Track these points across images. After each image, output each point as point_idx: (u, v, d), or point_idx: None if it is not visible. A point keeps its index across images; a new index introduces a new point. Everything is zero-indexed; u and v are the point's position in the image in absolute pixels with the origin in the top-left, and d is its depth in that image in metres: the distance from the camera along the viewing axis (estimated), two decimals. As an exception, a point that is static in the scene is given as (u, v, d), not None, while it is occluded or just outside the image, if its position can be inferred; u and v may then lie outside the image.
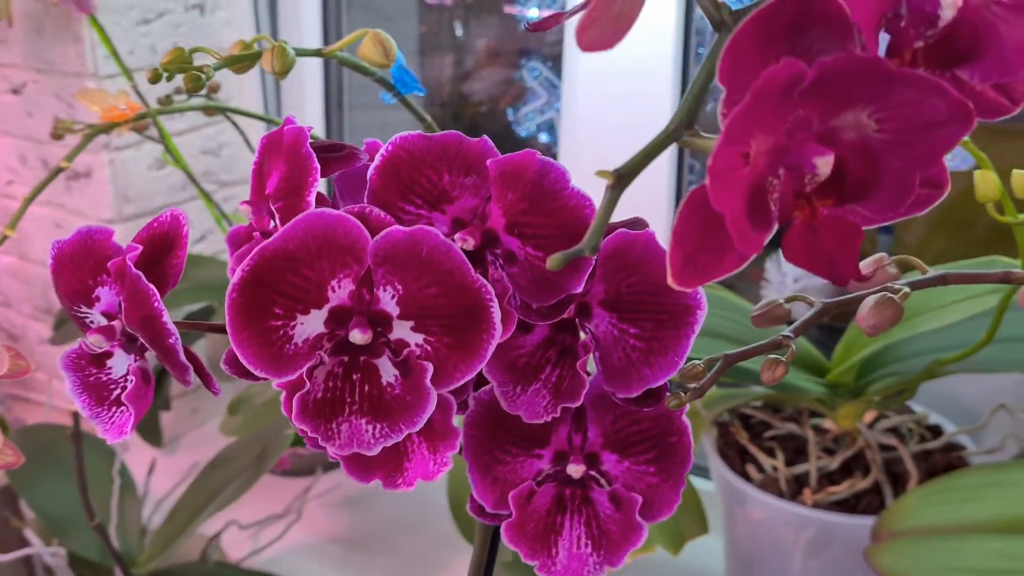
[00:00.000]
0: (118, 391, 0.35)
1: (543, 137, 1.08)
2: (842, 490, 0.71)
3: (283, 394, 0.38)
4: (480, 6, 1.22)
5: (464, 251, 0.32)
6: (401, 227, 0.31)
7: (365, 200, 0.35)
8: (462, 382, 0.32)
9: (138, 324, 0.31)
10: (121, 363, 0.35)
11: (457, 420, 0.37)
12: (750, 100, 0.21)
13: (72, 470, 0.90)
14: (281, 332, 0.31)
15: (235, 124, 0.92)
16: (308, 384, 0.31)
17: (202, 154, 1.10)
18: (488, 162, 0.33)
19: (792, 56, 0.22)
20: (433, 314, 0.31)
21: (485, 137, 0.34)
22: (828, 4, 0.21)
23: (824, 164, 0.22)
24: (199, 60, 0.53)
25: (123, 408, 0.34)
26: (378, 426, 0.32)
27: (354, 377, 0.32)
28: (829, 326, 1.08)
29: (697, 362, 0.37)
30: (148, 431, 1.08)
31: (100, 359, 0.35)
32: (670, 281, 0.23)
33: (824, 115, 0.22)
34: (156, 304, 0.31)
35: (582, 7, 0.26)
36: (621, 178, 0.25)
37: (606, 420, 0.39)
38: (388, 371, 0.32)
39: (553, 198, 0.33)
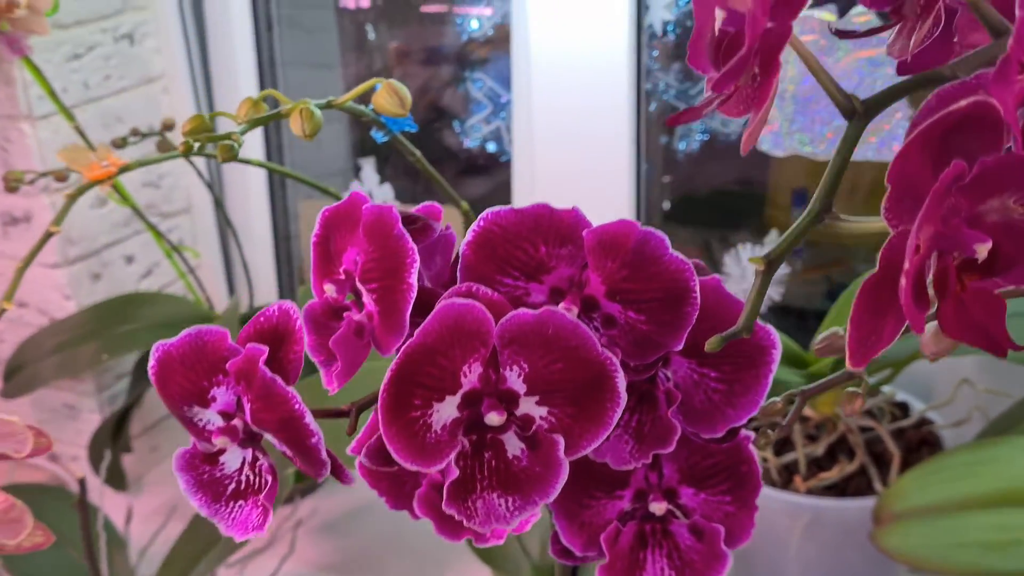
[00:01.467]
0: (233, 486, 0.35)
1: (490, 147, 1.09)
2: (833, 475, 0.75)
3: (357, 461, 0.39)
4: (399, 12, 1.22)
5: None
6: (528, 310, 0.32)
7: (459, 274, 0.36)
8: (588, 451, 0.33)
9: (274, 426, 0.32)
10: (235, 458, 0.35)
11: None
12: (930, 203, 0.23)
13: (57, 533, 0.87)
14: (421, 422, 0.31)
15: (192, 164, 0.90)
16: (455, 471, 0.32)
17: (143, 187, 1.07)
18: (584, 233, 0.34)
19: (946, 153, 0.24)
20: (558, 388, 0.32)
21: (576, 207, 0.35)
22: (986, 109, 0.23)
23: (983, 249, 0.24)
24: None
25: (243, 503, 0.34)
26: (510, 499, 0.32)
27: (485, 455, 0.32)
28: (800, 312, 1.13)
29: (776, 400, 0.39)
30: (113, 477, 1.06)
31: (214, 456, 0.35)
32: (848, 364, 0.25)
33: (974, 202, 0.24)
34: (297, 406, 0.31)
35: (715, 104, 0.27)
36: (771, 263, 0.27)
37: (680, 456, 0.41)
38: (514, 445, 0.33)
39: (654, 264, 0.34)
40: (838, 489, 0.77)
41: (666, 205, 1.12)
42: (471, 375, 0.32)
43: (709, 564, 0.41)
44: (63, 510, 0.89)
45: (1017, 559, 0.59)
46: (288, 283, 1.22)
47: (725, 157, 1.16)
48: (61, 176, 0.81)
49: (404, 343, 0.35)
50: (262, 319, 0.34)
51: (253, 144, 1.19)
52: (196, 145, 0.46)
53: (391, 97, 0.53)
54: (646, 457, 0.38)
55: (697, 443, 0.40)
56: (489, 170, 1.16)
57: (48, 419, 1.11)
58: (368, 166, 1.09)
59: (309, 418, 0.31)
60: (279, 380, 0.31)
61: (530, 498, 0.32)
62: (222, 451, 0.34)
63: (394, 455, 0.31)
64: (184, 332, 0.34)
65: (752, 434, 0.41)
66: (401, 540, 1.05)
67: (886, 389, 0.85)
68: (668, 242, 0.34)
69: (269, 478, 0.33)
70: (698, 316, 0.37)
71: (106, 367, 1.06)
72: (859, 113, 0.27)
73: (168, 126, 0.86)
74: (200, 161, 1.14)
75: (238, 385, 0.33)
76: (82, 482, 0.65)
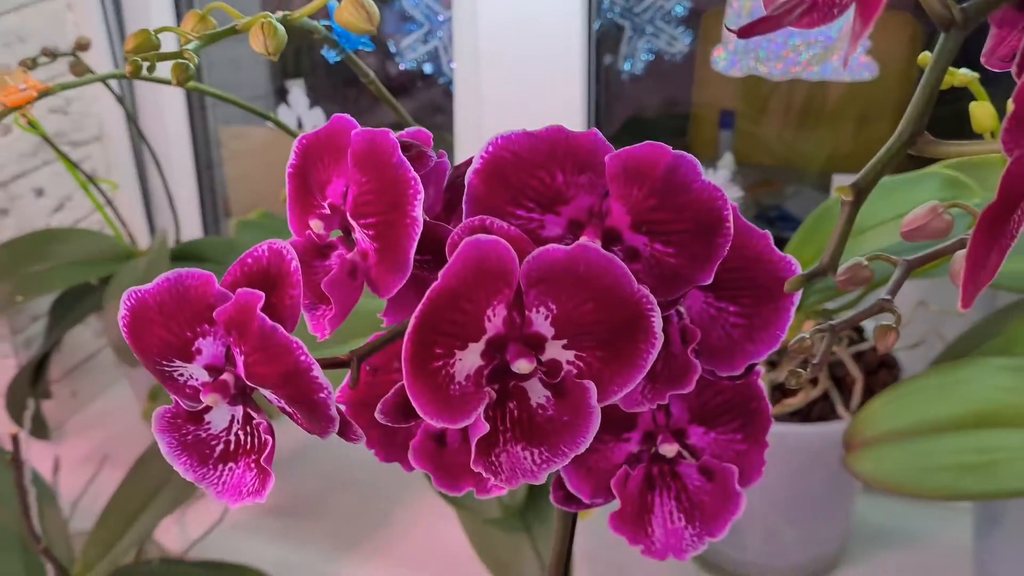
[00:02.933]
0: (221, 447, 0.31)
1: (427, 68, 1.04)
2: (797, 402, 0.75)
3: (345, 408, 0.35)
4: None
5: None
6: (558, 246, 0.29)
7: (466, 206, 0.33)
8: (618, 397, 0.30)
9: (275, 380, 0.28)
10: (222, 416, 0.31)
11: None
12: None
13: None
14: (444, 373, 0.28)
15: (109, 87, 0.82)
16: (484, 426, 0.29)
17: (50, 113, 0.99)
18: (607, 158, 0.31)
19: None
20: (588, 330, 0.29)
21: (595, 130, 0.32)
22: None
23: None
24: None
25: (234, 465, 0.31)
26: (536, 452, 0.30)
27: (508, 405, 0.30)
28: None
29: (805, 336, 0.37)
30: (35, 426, 0.99)
31: (198, 415, 0.31)
32: (960, 307, 0.22)
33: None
34: (304, 358, 0.27)
35: (796, 14, 0.24)
36: (860, 192, 0.24)
37: (689, 395, 0.38)
38: (537, 393, 0.30)
39: (684, 192, 0.31)
40: (802, 414, 0.76)
41: (607, 126, 1.09)
42: (495, 319, 0.29)
43: (721, 505, 0.39)
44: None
45: (992, 480, 0.59)
46: (212, 215, 1.15)
47: (669, 78, 1.13)
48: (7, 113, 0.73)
49: (404, 281, 0.32)
50: (250, 260, 0.30)
51: (164, 66, 1.10)
52: (146, 65, 0.41)
53: (357, 11, 0.47)
54: (662, 398, 0.35)
55: (705, 380, 0.37)
56: (422, 90, 1.11)
57: (-44, 366, 1.03)
58: (297, 89, 1.02)
59: (318, 371, 0.28)
60: (280, 329, 0.28)
61: (558, 449, 0.30)
62: (208, 409, 0.31)
63: (420, 411, 0.28)
64: (162, 276, 0.30)
65: (761, 369, 0.39)
66: (346, 477, 1.02)
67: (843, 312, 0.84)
68: (700, 167, 0.31)
69: (268, 439, 0.30)
70: None
71: (19, 308, 0.98)
72: (957, 23, 0.25)
73: (82, 46, 0.78)
74: (112, 84, 1.06)
75: (228, 336, 0.29)
76: (15, 438, 0.60)
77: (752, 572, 0.84)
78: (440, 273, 0.28)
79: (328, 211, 0.34)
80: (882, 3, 0.22)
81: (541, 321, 0.29)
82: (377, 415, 0.30)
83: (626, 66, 1.04)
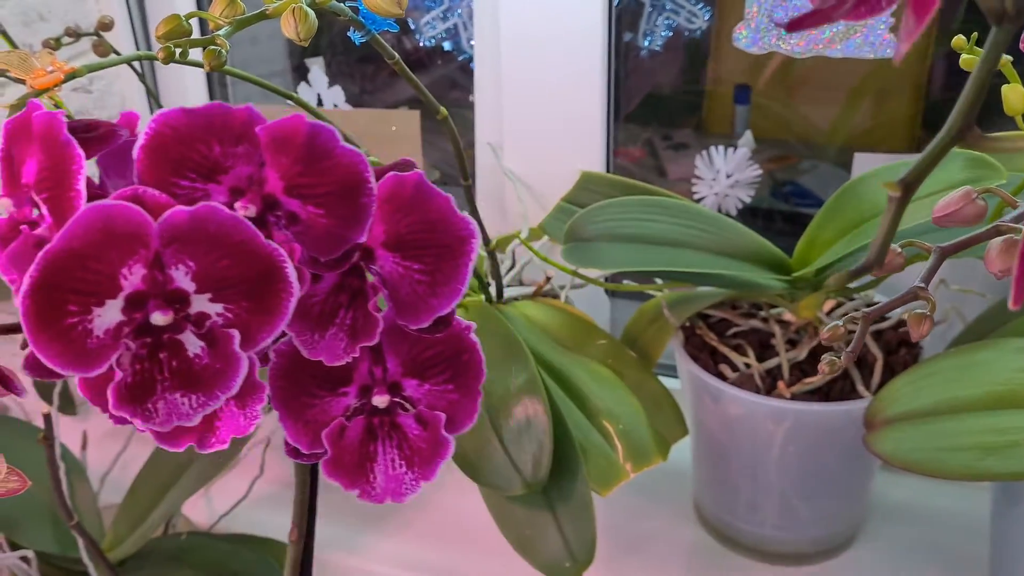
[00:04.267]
0: None
1: (446, 45, 1.04)
2: (817, 380, 0.75)
3: (77, 378, 0.37)
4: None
5: (247, 218, 0.33)
6: (183, 207, 0.31)
7: (135, 179, 0.35)
8: (268, 342, 0.33)
9: None
10: None
11: (261, 373, 0.38)
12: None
13: (13, 463, 0.83)
14: (80, 328, 0.31)
15: (132, 67, 0.82)
16: (118, 372, 0.31)
17: (73, 92, 0.99)
18: (257, 130, 0.34)
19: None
20: (229, 284, 0.32)
21: (250, 105, 0.35)
22: None
23: None
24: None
25: None
26: (194, 397, 0.33)
27: (160, 356, 0.33)
28: (766, 214, 1.11)
29: (839, 323, 0.38)
30: (61, 401, 1.01)
31: None
32: (1011, 305, 0.23)
33: None
34: None
35: (848, 6, 0.24)
36: (907, 187, 0.24)
37: (402, 350, 0.41)
38: (193, 343, 0.33)
39: (326, 158, 0.34)
40: (821, 393, 0.77)
41: (626, 102, 1.09)
42: (133, 277, 0.32)
43: (434, 450, 0.42)
44: (9, 437, 0.85)
45: (1014, 461, 0.60)
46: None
47: (688, 54, 1.13)
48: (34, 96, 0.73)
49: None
50: None
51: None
52: (178, 51, 0.41)
53: (386, -5, 0.48)
54: (355, 351, 0.38)
55: (416, 336, 0.40)
56: (440, 66, 1.10)
57: (-17, 342, 1.04)
58: (316, 67, 1.02)
59: None
60: None
61: (213, 394, 0.33)
62: None
63: (47, 363, 0.31)
64: None
65: (473, 324, 0.42)
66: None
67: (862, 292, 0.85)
68: (339, 135, 0.34)
69: None
70: (400, 210, 0.38)
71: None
72: (1009, 15, 0.25)
73: (105, 25, 0.78)
74: (133, 63, 1.06)
75: None
76: (48, 417, 0.61)
77: (770, 547, 0.85)
78: (55, 236, 0.30)
79: (24, 190, 0.37)
80: (936, 3, 0.23)
81: (182, 277, 0.32)
82: (24, 370, 0.33)
83: (645, 42, 1.03)
